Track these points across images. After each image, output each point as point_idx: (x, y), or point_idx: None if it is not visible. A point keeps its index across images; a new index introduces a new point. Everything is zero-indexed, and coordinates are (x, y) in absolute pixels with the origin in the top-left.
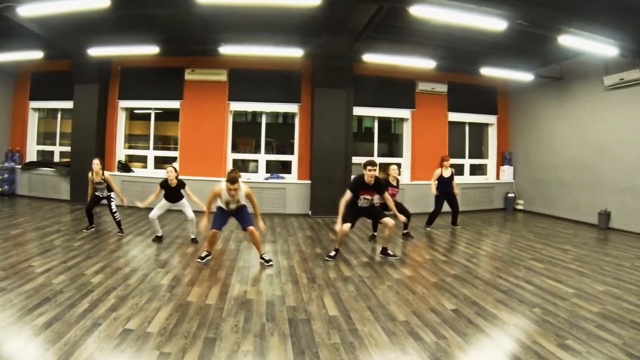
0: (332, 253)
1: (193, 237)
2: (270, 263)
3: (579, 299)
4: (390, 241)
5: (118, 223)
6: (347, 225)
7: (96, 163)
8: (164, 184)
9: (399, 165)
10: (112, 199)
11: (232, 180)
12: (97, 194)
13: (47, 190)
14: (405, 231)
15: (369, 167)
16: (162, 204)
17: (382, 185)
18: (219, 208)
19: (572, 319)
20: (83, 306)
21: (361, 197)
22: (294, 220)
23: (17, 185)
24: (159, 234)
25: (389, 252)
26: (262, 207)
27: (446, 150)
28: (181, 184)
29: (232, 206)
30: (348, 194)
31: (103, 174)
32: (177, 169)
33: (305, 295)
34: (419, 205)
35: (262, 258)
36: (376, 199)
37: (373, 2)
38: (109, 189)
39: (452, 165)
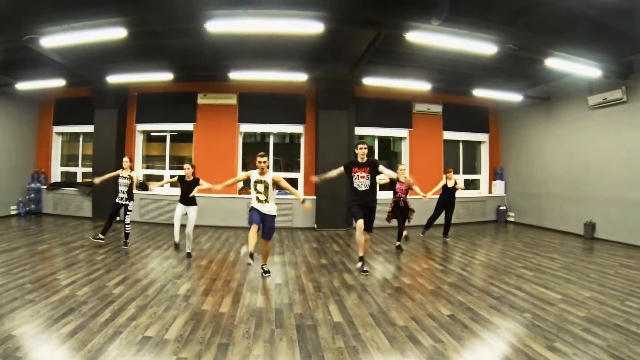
0: (359, 264)
1: (188, 251)
2: (268, 274)
3: (566, 305)
4: (367, 252)
5: (126, 235)
6: (361, 221)
7: (126, 160)
8: (181, 178)
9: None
10: (129, 210)
11: (262, 154)
12: (117, 200)
13: (71, 209)
14: (398, 243)
15: (359, 146)
16: (178, 212)
17: (375, 163)
18: (253, 209)
19: (560, 323)
20: (105, 316)
21: (355, 175)
22: (301, 234)
23: (43, 205)
24: (189, 248)
25: (363, 265)
26: None
27: (442, 167)
28: (195, 181)
29: (261, 189)
30: (340, 170)
31: (131, 171)
32: (194, 166)
33: (311, 303)
34: (418, 218)
35: (262, 267)
36: (367, 182)
37: (371, 29)
38: (130, 192)
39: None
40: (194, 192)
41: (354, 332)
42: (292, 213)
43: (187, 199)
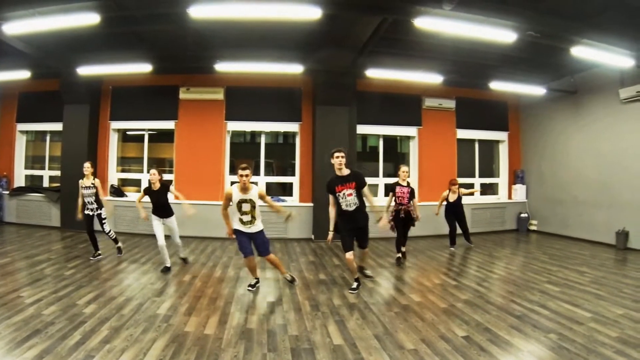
0: (354, 285)
1: (183, 256)
2: (295, 282)
3: (597, 324)
4: (365, 261)
5: (115, 240)
6: (350, 253)
7: (87, 166)
8: (148, 190)
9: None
10: (103, 218)
11: (244, 167)
12: (87, 212)
13: (37, 217)
14: (398, 255)
15: (335, 155)
16: (156, 225)
17: (359, 176)
18: (238, 232)
19: (590, 345)
20: (75, 338)
21: (341, 193)
22: (296, 245)
23: (5, 212)
24: (168, 265)
25: (366, 271)
26: None
27: (455, 169)
28: (165, 187)
29: (247, 208)
30: (330, 199)
31: (94, 178)
32: (159, 172)
33: (308, 324)
34: (427, 227)
35: (285, 277)
36: (355, 200)
37: (376, 14)
38: (98, 201)
39: (461, 185)
40: (181, 197)
41: (356, 356)
42: (285, 222)
43: (162, 211)
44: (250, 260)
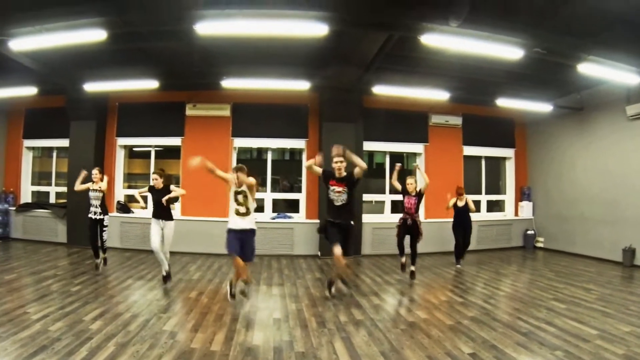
0: (345, 288)
1: (164, 274)
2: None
3: (603, 341)
4: (344, 275)
5: (104, 251)
6: (338, 248)
7: (95, 173)
8: (151, 188)
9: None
10: (104, 226)
11: (237, 168)
12: (90, 215)
13: (43, 233)
14: (412, 269)
15: (335, 159)
16: (154, 227)
17: (353, 178)
18: (230, 231)
19: None
20: (81, 354)
21: (332, 188)
22: (302, 262)
23: (11, 228)
24: (166, 270)
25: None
26: (268, 249)
27: (462, 186)
28: (167, 187)
29: (241, 199)
30: (320, 170)
31: (102, 180)
32: (162, 175)
33: (314, 341)
34: (434, 244)
35: (241, 291)
36: (344, 197)
37: (382, 31)
38: (103, 206)
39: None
40: (165, 199)
41: None
42: (292, 239)
43: (162, 212)
44: (238, 260)
